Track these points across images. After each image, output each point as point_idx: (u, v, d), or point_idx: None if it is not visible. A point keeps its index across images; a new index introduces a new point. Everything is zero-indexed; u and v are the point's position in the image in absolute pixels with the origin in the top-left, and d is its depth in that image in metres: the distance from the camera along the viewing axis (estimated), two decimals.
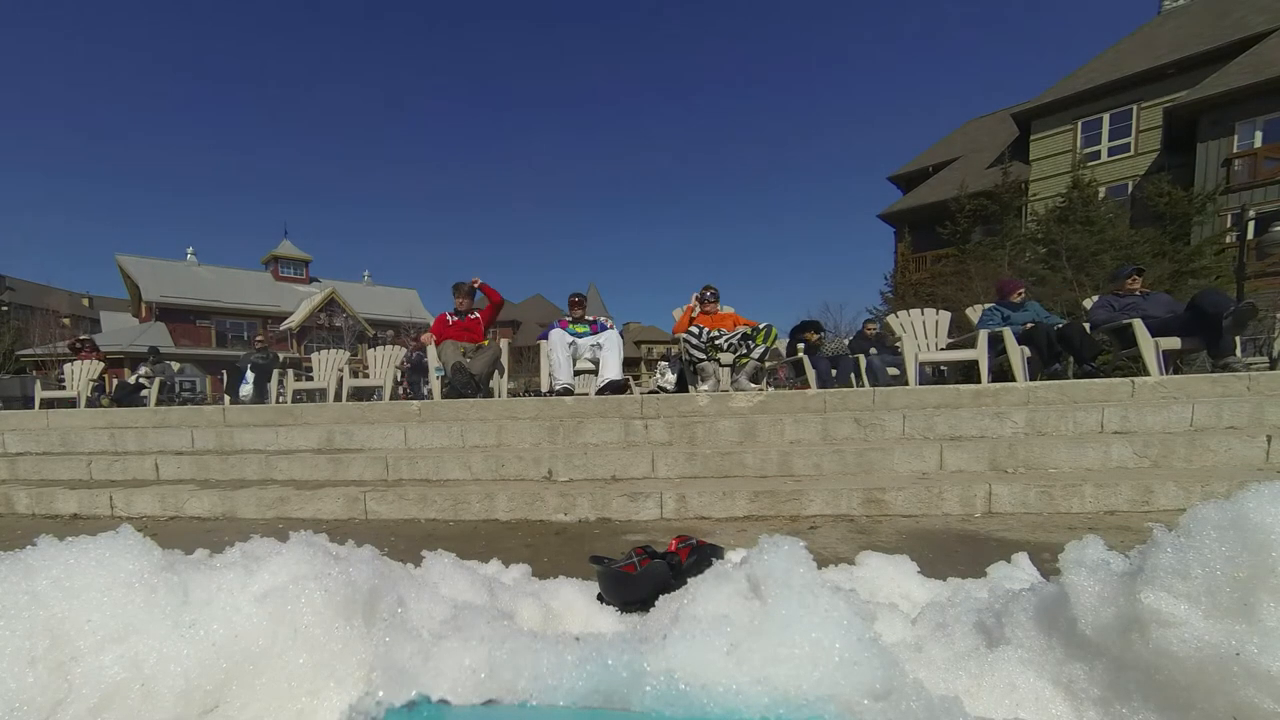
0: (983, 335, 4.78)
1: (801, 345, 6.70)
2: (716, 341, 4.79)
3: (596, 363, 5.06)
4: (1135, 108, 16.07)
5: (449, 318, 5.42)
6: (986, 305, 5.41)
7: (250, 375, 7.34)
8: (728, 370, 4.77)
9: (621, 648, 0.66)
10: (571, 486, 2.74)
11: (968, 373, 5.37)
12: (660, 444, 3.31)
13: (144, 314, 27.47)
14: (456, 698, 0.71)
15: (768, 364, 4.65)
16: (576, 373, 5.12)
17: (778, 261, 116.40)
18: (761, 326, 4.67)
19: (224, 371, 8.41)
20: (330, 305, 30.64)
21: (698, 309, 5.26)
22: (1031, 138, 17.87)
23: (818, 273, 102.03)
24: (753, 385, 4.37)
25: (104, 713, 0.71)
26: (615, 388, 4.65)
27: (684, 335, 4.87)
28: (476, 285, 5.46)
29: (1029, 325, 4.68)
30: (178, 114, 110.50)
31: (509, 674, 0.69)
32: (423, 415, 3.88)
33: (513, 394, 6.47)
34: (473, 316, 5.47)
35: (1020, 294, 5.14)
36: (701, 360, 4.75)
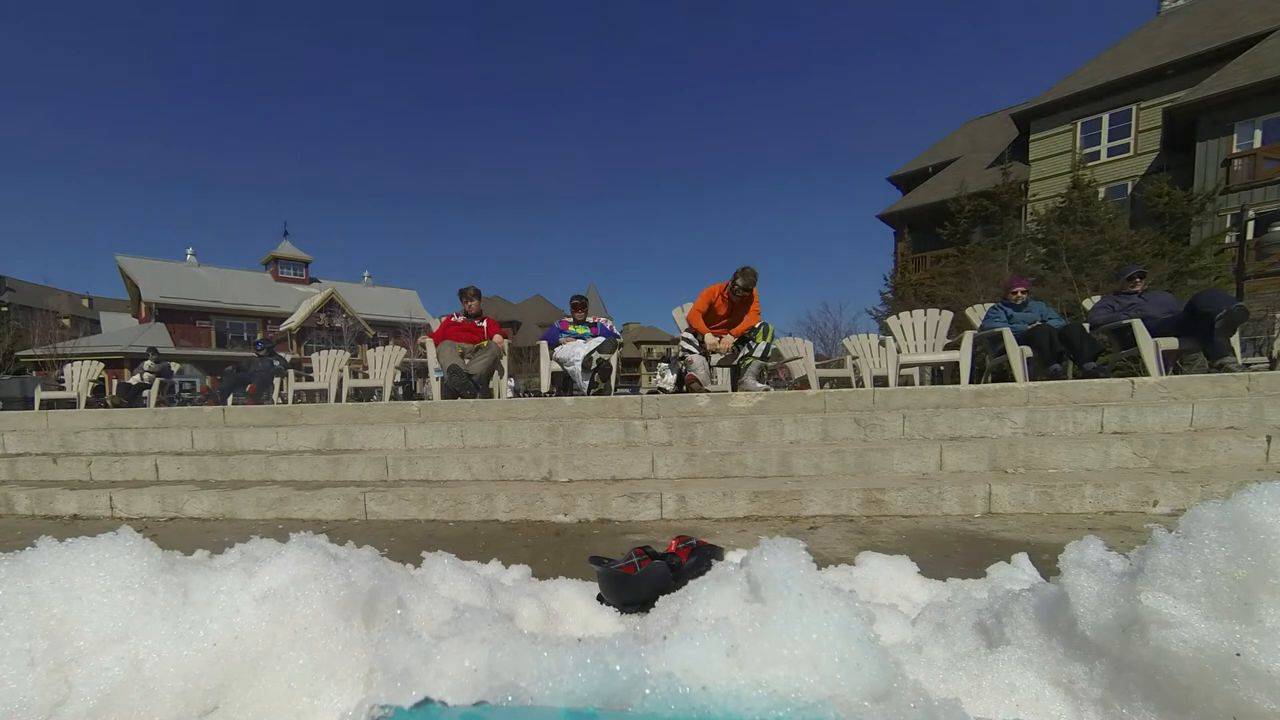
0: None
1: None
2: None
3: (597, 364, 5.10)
4: (1135, 108, 16.07)
5: (455, 318, 5.42)
6: (990, 304, 5.41)
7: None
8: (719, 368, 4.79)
9: (622, 649, 0.66)
10: (571, 487, 2.74)
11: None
12: (660, 444, 3.31)
13: (144, 314, 27.47)
14: (457, 699, 0.71)
15: (769, 363, 4.63)
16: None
17: (777, 261, 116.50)
18: (759, 325, 4.66)
19: (233, 368, 8.21)
20: (330, 306, 30.61)
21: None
22: (1031, 138, 17.88)
23: (817, 272, 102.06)
24: (758, 385, 4.37)
25: (104, 714, 0.71)
26: (604, 349, 4.94)
27: (684, 336, 4.87)
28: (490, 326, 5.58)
29: (1034, 325, 4.67)
30: (178, 114, 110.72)
31: (510, 675, 0.69)
32: (422, 416, 3.88)
33: (513, 393, 6.47)
34: (479, 324, 5.45)
35: (1019, 293, 5.13)
36: (691, 354, 4.76)
